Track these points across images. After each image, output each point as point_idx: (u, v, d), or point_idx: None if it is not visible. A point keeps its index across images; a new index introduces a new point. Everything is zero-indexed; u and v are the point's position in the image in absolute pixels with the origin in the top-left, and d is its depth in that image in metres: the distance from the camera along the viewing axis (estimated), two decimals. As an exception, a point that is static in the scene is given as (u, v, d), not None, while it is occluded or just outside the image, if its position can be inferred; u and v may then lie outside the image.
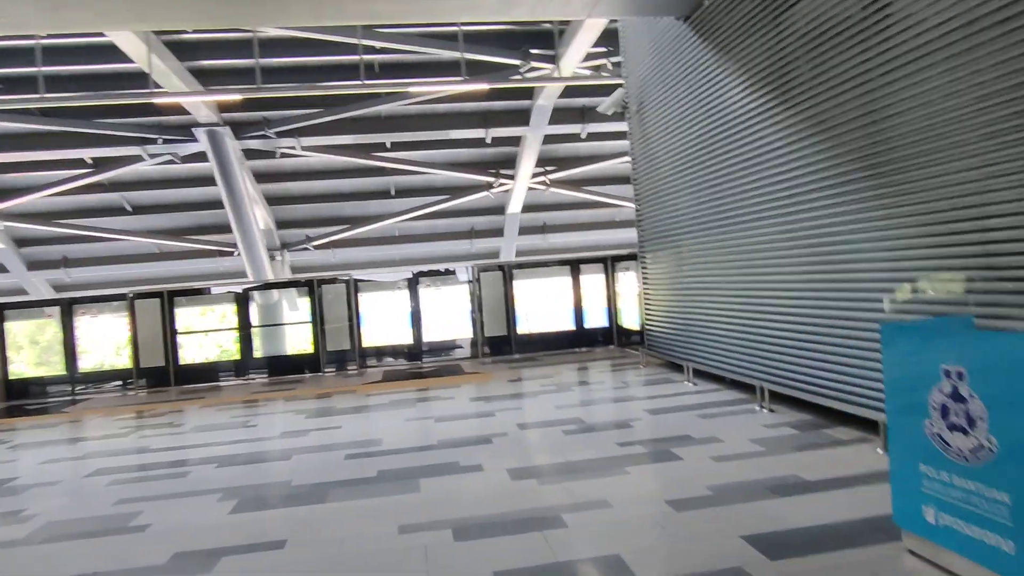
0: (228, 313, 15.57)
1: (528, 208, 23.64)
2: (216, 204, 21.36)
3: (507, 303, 15.20)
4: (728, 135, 9.03)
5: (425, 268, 15.77)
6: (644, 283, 12.49)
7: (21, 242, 23.43)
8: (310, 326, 14.85)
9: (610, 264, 15.31)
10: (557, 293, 15.49)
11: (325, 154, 20.10)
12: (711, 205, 9.77)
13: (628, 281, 15.05)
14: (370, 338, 15.53)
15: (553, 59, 16.42)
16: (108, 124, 18.33)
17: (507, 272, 15.34)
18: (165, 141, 18.73)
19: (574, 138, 21.12)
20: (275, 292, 16.11)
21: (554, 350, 15.25)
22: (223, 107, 18.49)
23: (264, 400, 12.35)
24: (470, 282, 15.28)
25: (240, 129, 18.96)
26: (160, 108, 18.16)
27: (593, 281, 15.78)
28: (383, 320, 15.64)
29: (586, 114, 19.68)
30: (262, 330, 15.30)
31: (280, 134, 18.92)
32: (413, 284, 15.30)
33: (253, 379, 14.63)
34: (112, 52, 15.17)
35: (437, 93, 17.13)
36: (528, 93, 18.91)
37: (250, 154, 20.40)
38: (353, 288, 14.96)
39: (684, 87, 10.29)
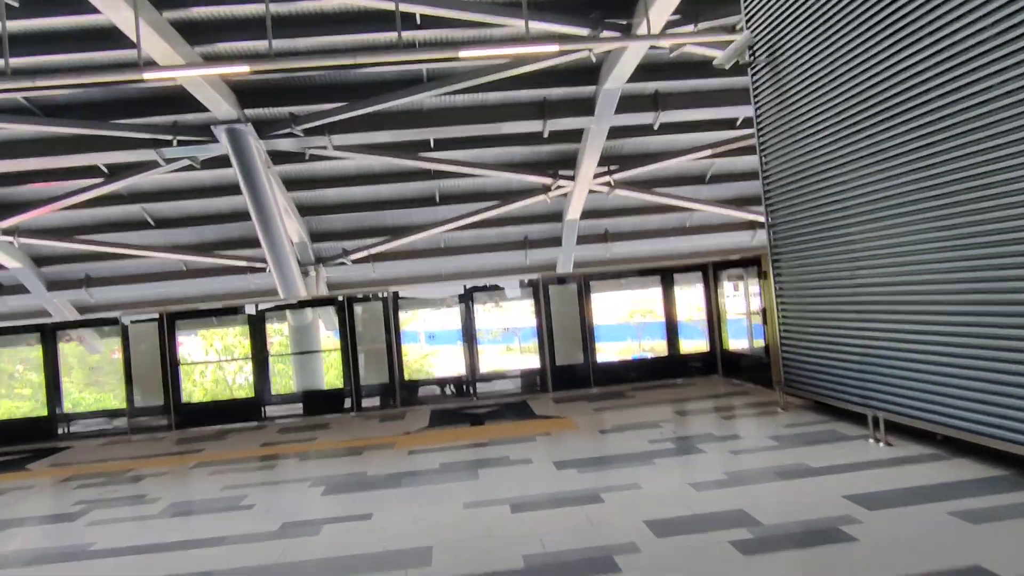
0: (240, 339, 12.20)
1: (588, 214, 20.22)
2: (244, 215, 18.31)
3: (583, 323, 11.69)
4: (935, 78, 5.93)
5: (480, 283, 12.19)
6: (780, 296, 8.89)
7: (41, 260, 20.77)
8: (339, 354, 11.40)
9: (712, 273, 11.64)
10: (644, 310, 11.80)
11: (360, 154, 16.93)
12: (912, 180, 6.48)
13: (738, 294, 11.31)
14: (413, 367, 11.92)
15: (627, 28, 12.86)
16: (118, 125, 15.18)
17: (582, 284, 11.77)
18: (180, 143, 15.52)
19: (643, 131, 17.66)
20: (299, 313, 12.70)
21: (642, 382, 11.63)
22: (244, 101, 15.24)
23: (275, 457, 8.94)
24: (535, 298, 11.69)
25: (265, 128, 15.86)
26: (172, 100, 15.02)
27: (690, 294, 12.09)
28: (429, 346, 12.06)
29: (660, 100, 16.09)
30: (281, 360, 11.85)
31: (309, 131, 15.78)
32: (466, 301, 11.79)
33: (269, 422, 11.22)
34: (102, 37, 12.15)
35: (491, 59, 13.76)
36: (593, 77, 15.47)
37: (278, 159, 17.33)
38: (392, 307, 11.57)
39: (851, 19, 6.74)
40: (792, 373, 8.89)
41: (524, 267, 21.64)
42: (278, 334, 15.09)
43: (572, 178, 18.44)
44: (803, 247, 8.47)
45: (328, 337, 12.43)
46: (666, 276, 12.12)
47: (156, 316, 11.73)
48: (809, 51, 7.86)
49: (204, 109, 14.91)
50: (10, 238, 18.68)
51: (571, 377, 11.89)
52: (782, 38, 8.40)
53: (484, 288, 12.23)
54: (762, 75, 9.02)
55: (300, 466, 8.38)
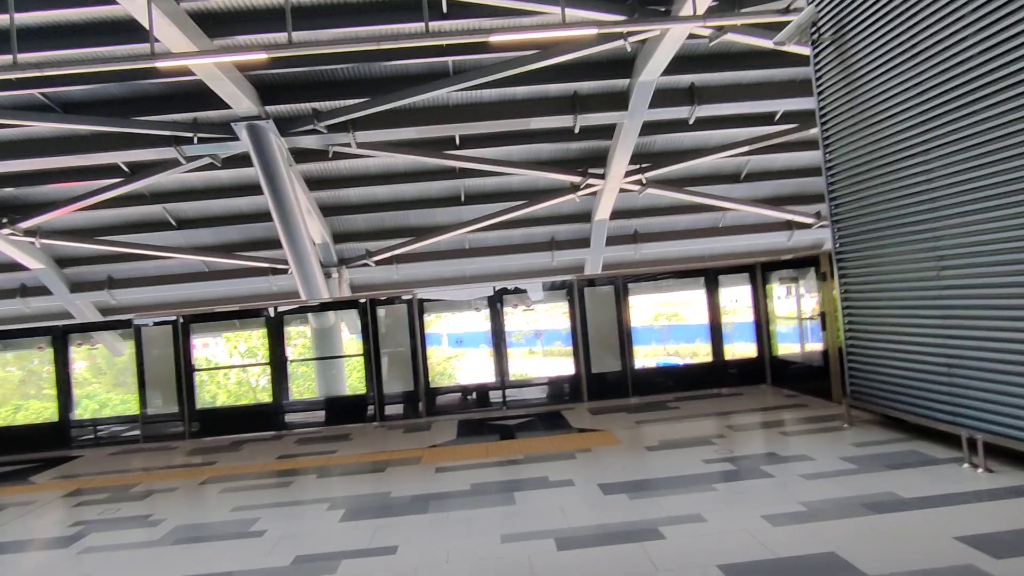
0: (258, 344, 11.41)
1: (617, 214, 19.34)
2: (265, 216, 17.64)
3: (620, 327, 10.78)
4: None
5: (510, 284, 11.28)
6: (846, 299, 7.93)
7: (63, 261, 20.25)
8: (362, 360, 10.57)
9: (759, 273, 10.65)
10: (686, 313, 10.85)
11: (384, 152, 16.16)
12: (1009, 168, 5.66)
13: (790, 296, 10.33)
14: (439, 374, 11.04)
15: (667, 15, 11.96)
16: (138, 122, 14.53)
17: (619, 286, 10.83)
18: (201, 140, 14.85)
19: (676, 127, 16.76)
20: (319, 316, 11.87)
21: (684, 391, 10.67)
22: (265, 97, 14.53)
23: (291, 473, 8.11)
24: (569, 300, 10.78)
25: (286, 124, 15.16)
26: (192, 96, 14.37)
27: (736, 297, 11.11)
28: (456, 351, 11.20)
29: (696, 93, 15.12)
30: (301, 366, 11.04)
31: (332, 128, 15.01)
32: (494, 304, 10.91)
33: (287, 431, 10.41)
34: (117, 30, 11.53)
35: (521, 48, 12.97)
36: (627, 69, 14.59)
37: (300, 157, 16.63)
38: (417, 310, 10.72)
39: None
40: (860, 384, 7.91)
41: (550, 269, 20.76)
42: (300, 337, 14.35)
43: (602, 176, 17.53)
44: (875, 245, 7.50)
45: (349, 342, 11.58)
46: (710, 277, 11.15)
47: (171, 319, 10.98)
48: (886, 24, 6.92)
49: (225, 106, 14.23)
50: (32, 239, 18.16)
51: (607, 385, 10.97)
52: (853, 11, 7.44)
53: (515, 290, 11.31)
54: (827, 55, 8.07)
55: (318, 484, 7.55)
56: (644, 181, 17.78)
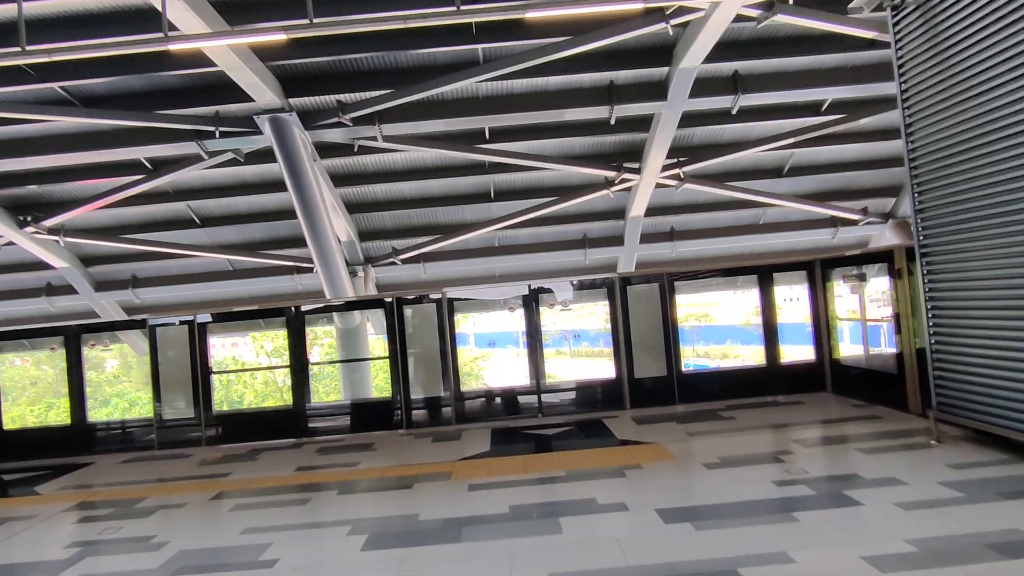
0: (279, 345, 10.65)
1: (652, 210, 18.27)
2: (290, 213, 16.96)
3: (666, 329, 9.78)
4: None
5: (547, 283, 10.37)
6: (933, 299, 6.85)
7: (88, 260, 19.76)
8: (388, 363, 9.73)
9: (819, 271, 9.62)
10: (738, 314, 9.90)
11: (411, 147, 15.34)
12: None
13: (853, 295, 9.31)
14: (469, 378, 10.19)
15: (713, -6, 10.98)
16: (159, 116, 13.88)
17: (665, 285, 9.85)
18: (223, 134, 14.16)
19: (716, 118, 15.78)
20: (343, 317, 11.08)
21: (736, 398, 9.67)
22: (288, 89, 13.81)
23: (309, 488, 7.24)
24: (610, 300, 9.85)
25: (310, 117, 14.45)
26: (214, 89, 13.71)
27: (791, 296, 10.10)
28: (488, 353, 10.35)
29: (740, 82, 14.08)
30: (324, 369, 10.26)
31: (357, 121, 14.22)
32: (530, 304, 10.00)
33: (308, 438, 9.61)
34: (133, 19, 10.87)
35: (562, 19, 12.00)
36: (666, 57, 13.64)
37: (325, 152, 15.95)
38: (447, 310, 9.85)
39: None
40: (949, 396, 6.90)
41: (583, 267, 19.83)
42: (326, 337, 13.59)
43: (638, 171, 16.55)
44: (968, 238, 6.53)
45: (375, 344, 10.79)
46: (764, 275, 10.14)
47: (188, 319, 10.25)
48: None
49: (247, 98, 13.57)
50: (56, 237, 17.64)
51: (652, 392, 10.04)
52: (945, -31, 6.44)
53: (551, 289, 10.40)
54: (910, 22, 7.08)
55: (338, 502, 6.72)
56: (682, 176, 16.77)
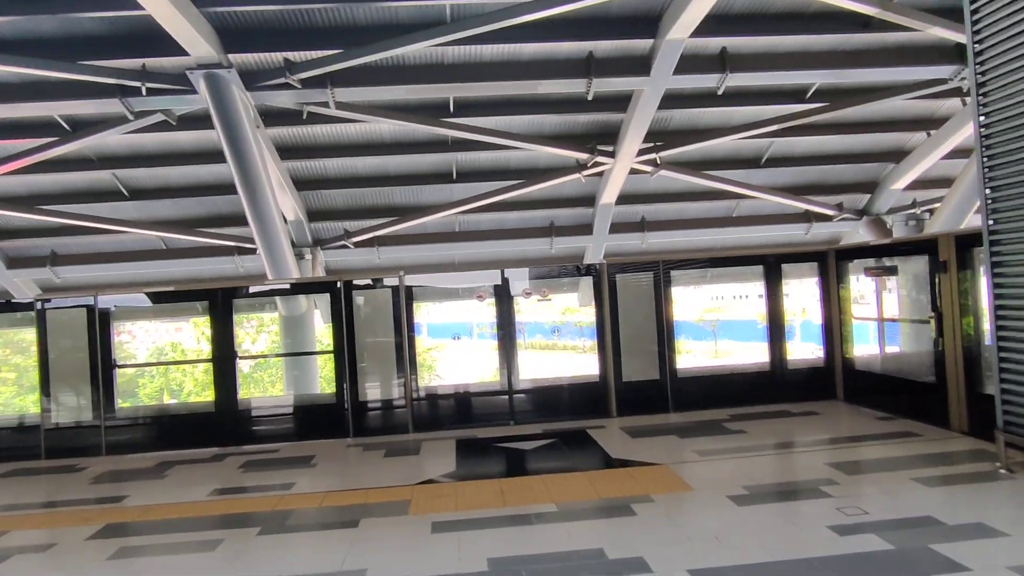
0: (200, 335, 8.72)
1: (624, 199, 16.73)
2: (231, 187, 14.77)
3: (660, 326, 8.16)
4: None
5: (522, 270, 8.64)
6: (999, 295, 5.34)
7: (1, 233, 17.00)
8: (332, 359, 7.85)
9: (832, 263, 8.13)
10: (739, 309, 8.39)
11: (367, 116, 13.49)
12: None
13: (879, 290, 7.84)
14: (430, 377, 8.45)
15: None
16: (76, 67, 11.64)
17: (660, 275, 8.24)
18: (150, 91, 11.95)
19: (698, 100, 14.33)
20: (288, 302, 9.17)
21: (737, 405, 8.16)
22: (228, 44, 11.79)
23: (225, 519, 5.30)
24: (597, 290, 8.18)
25: (253, 77, 12.30)
26: (141, 39, 11.65)
27: (800, 291, 8.59)
28: (448, 347, 8.62)
29: (728, 60, 12.58)
30: (253, 364, 8.36)
31: (307, 83, 12.18)
32: (503, 294, 8.24)
33: (234, 448, 7.66)
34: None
35: None
36: (651, 27, 12.09)
37: (270, 120, 13.92)
38: (405, 298, 7.96)
39: None
40: (1019, 413, 5.39)
41: (549, 257, 18.23)
42: (252, 329, 11.55)
43: (612, 154, 14.99)
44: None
45: (318, 335, 8.92)
46: (770, 266, 8.65)
47: (87, 301, 8.16)
48: None
49: (179, 51, 11.44)
50: (-42, 205, 15.10)
51: (643, 397, 8.50)
52: None
53: (527, 277, 8.69)
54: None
55: (259, 548, 4.88)
56: (658, 161, 15.28)
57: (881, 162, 16.89)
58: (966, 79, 13.47)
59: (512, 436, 7.77)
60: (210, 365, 8.53)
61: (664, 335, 8.42)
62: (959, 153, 16.11)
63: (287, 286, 9.89)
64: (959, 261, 6.40)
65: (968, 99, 14.82)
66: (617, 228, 17.91)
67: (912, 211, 17.02)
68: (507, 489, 5.90)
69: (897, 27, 12.86)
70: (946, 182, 17.53)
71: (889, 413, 7.59)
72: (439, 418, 8.57)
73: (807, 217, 18.17)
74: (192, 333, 31.98)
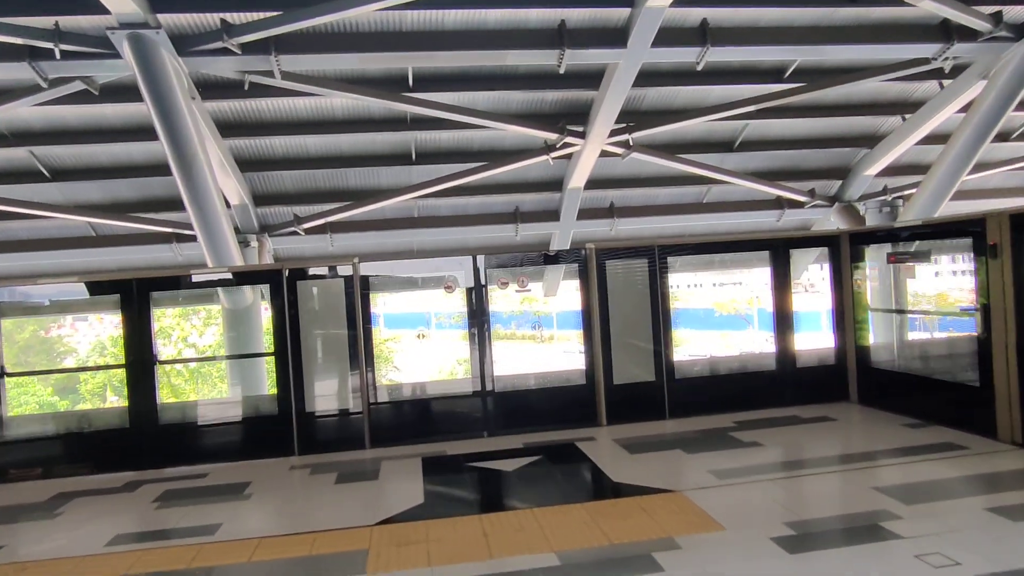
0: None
1: (592, 183, 15.48)
2: (167, 168, 12.76)
3: (657, 321, 6.86)
4: None
5: (497, 256, 7.25)
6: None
7: (-95, 218, 14.83)
8: (274, 362, 6.32)
9: (845, 248, 6.99)
10: (741, 299, 7.18)
11: (317, 89, 11.91)
12: None
13: (903, 277, 6.71)
14: (391, 380, 7.01)
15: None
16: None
17: (655, 260, 6.97)
18: (65, 55, 10.17)
19: (673, 78, 13.21)
20: (234, 295, 7.65)
21: (741, 409, 6.96)
22: (156, 2, 9.95)
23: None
24: (583, 279, 6.85)
25: (186, 41, 10.70)
26: None
27: (810, 278, 7.42)
28: (414, 348, 7.43)
29: (709, 33, 11.43)
30: (178, 369, 6.80)
31: (247, 48, 10.58)
32: (474, 283, 6.85)
33: (152, 472, 6.08)
34: None
35: None
36: (629, -7, 10.72)
37: (209, 93, 12.22)
38: (359, 289, 6.48)
39: None
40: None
41: (513, 245, 16.82)
42: (176, 326, 9.78)
43: (582, 135, 13.72)
44: None
45: (257, 332, 7.37)
46: (778, 251, 7.45)
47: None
48: None
49: (100, 9, 9.67)
50: None
51: (636, 402, 7.25)
52: None
53: (505, 263, 7.32)
54: None
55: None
56: (631, 143, 14.04)
57: (854, 147, 16.05)
58: (948, 59, 12.61)
59: (488, 452, 6.46)
60: (127, 371, 6.87)
61: (660, 331, 7.20)
62: (931, 140, 15.37)
63: (226, 275, 8.28)
64: (1014, 244, 5.32)
65: (946, 82, 14.06)
66: (585, 214, 16.71)
67: (884, 197, 16.25)
68: (491, 530, 4.58)
69: (882, 1, 11.93)
70: (916, 169, 16.83)
71: (917, 419, 6.57)
72: (401, 429, 7.15)
73: (779, 204, 17.26)
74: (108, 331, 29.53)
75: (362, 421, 6.92)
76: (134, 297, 6.96)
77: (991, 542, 4.29)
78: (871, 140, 16.08)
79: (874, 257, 7.31)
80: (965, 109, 14.02)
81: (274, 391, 7.07)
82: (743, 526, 4.44)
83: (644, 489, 5.24)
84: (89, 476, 6.38)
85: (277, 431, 6.89)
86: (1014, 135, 16.61)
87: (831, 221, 17.26)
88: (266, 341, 13.18)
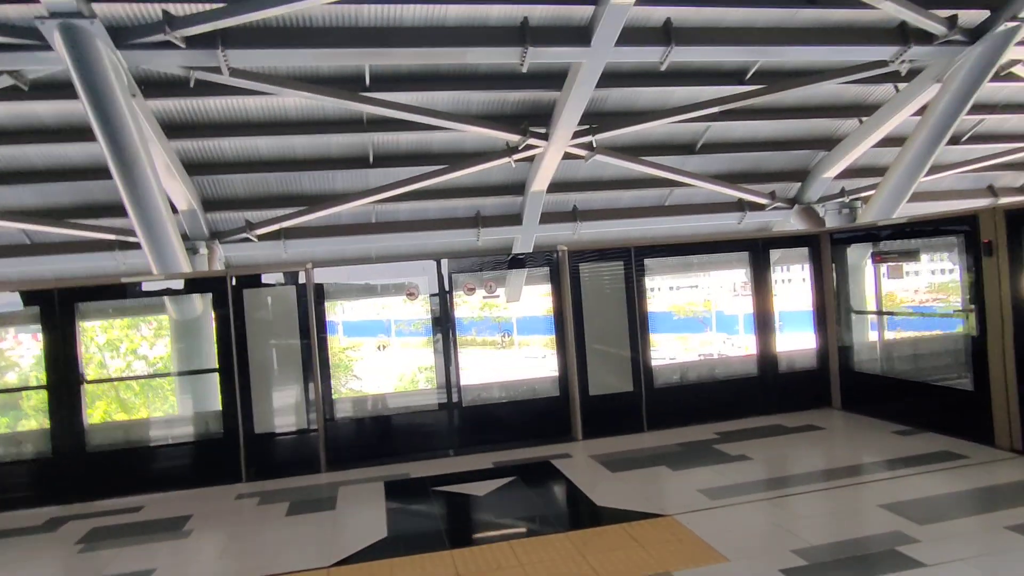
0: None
1: (554, 187, 15.02)
2: (107, 171, 11.75)
3: (633, 326, 6.34)
4: None
5: (461, 261, 6.66)
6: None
7: None
8: (217, 379, 5.59)
9: (826, 248, 6.62)
10: (720, 302, 6.82)
11: (269, 87, 11.15)
12: None
13: (889, 278, 6.38)
14: (348, 394, 6.37)
15: None
16: None
17: (632, 261, 6.47)
18: (-11, 46, 9.29)
19: (636, 79, 12.91)
20: (182, 304, 6.93)
21: (720, 419, 6.51)
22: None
23: None
24: (555, 283, 6.30)
25: (125, 33, 9.88)
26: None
27: (791, 279, 7.08)
28: (374, 359, 6.99)
29: (673, 33, 11.08)
30: (107, 389, 6.07)
31: (192, 42, 9.78)
32: (439, 289, 6.25)
33: (81, 503, 5.26)
34: None
35: None
36: (593, -11, 10.30)
37: (151, 90, 11.24)
38: (312, 297, 5.79)
39: None
40: None
41: (475, 249, 16.24)
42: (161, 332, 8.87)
43: (545, 136, 13.24)
44: None
45: (208, 345, 6.59)
46: (758, 250, 7.03)
47: None
48: None
49: (28, -3, 8.77)
50: None
51: (613, 415, 6.69)
52: None
53: (468, 269, 6.72)
54: None
55: None
56: (594, 145, 13.63)
57: (813, 149, 15.99)
58: (905, 61, 12.54)
59: (456, 473, 5.85)
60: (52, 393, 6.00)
61: (638, 337, 6.70)
62: (887, 142, 15.39)
63: (162, 284, 7.37)
64: (1010, 241, 5.00)
65: (901, 85, 14.04)
66: (548, 218, 16.25)
67: (842, 199, 16.20)
68: (466, 570, 3.98)
69: (842, 3, 11.79)
70: (872, 171, 16.87)
71: (906, 425, 6.22)
72: (360, 448, 6.47)
73: (740, 206, 17.09)
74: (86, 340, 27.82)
75: (317, 440, 6.23)
76: (56, 309, 6.11)
77: (1004, 564, 3.89)
78: (829, 143, 16.04)
79: (856, 256, 6.98)
80: (920, 112, 14.06)
81: (202, 415, 6.31)
82: (747, 556, 3.94)
83: (631, 514, 4.71)
84: (3, 513, 5.52)
85: (222, 455, 6.14)
86: (964, 138, 16.81)
87: (791, 223, 17.18)
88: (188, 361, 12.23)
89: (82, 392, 6.29)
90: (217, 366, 6.19)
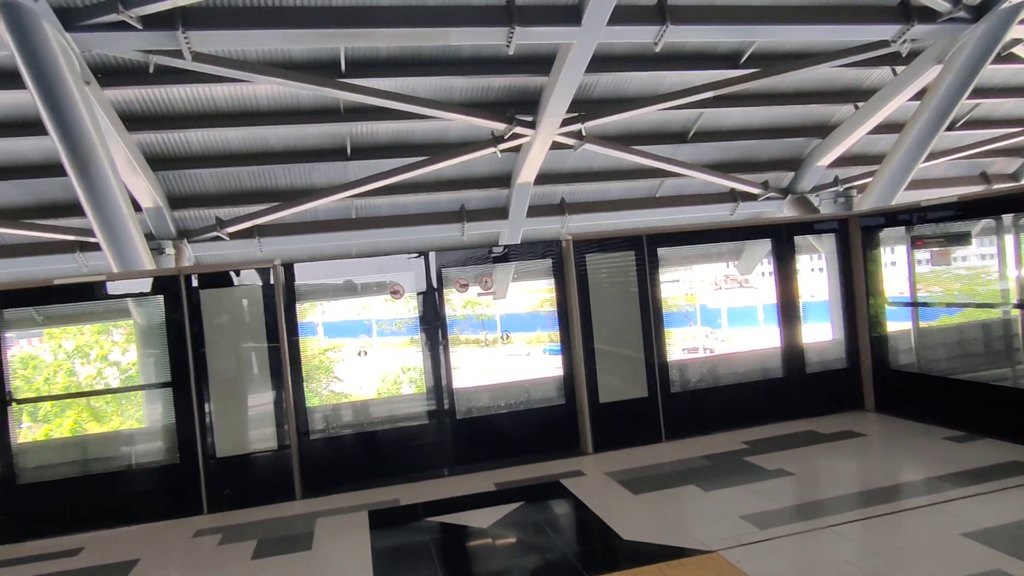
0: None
1: (541, 178, 14.19)
2: (63, 168, 10.65)
3: (647, 323, 5.46)
4: None
5: (453, 254, 5.77)
6: None
7: None
8: (170, 394, 4.62)
9: (856, 233, 5.81)
10: (740, 295, 6.06)
11: (237, 73, 10.16)
12: None
13: (935, 265, 5.61)
14: (324, 409, 5.44)
15: None
16: None
17: (644, 249, 5.59)
18: (-80, 27, 8.22)
19: (627, 62, 12.16)
20: (144, 308, 6.00)
21: (744, 426, 5.68)
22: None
23: None
24: (558, 278, 5.42)
25: (74, 14, 8.95)
26: None
27: (819, 268, 6.32)
28: (355, 365, 5.97)
29: (668, 11, 10.28)
30: (44, 409, 5.18)
31: (148, 22, 8.83)
32: (428, 285, 5.34)
33: (11, 543, 4.27)
34: None
35: None
36: (583, -36, 9.48)
37: (109, 78, 10.31)
38: (281, 297, 4.86)
39: None
40: None
41: (460, 245, 15.31)
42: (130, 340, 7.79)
43: (533, 124, 12.39)
44: None
45: (151, 356, 5.63)
46: (782, 236, 6.21)
47: None
48: None
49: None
50: None
51: (627, 425, 5.85)
52: None
53: (466, 260, 5.85)
54: None
55: None
56: (583, 133, 12.82)
57: (806, 137, 15.32)
58: (907, 41, 11.87)
59: (453, 499, 4.97)
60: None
61: (652, 337, 5.90)
62: (881, 129, 14.75)
63: (103, 286, 6.33)
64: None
65: (899, 68, 13.39)
66: (535, 211, 15.42)
67: (836, 188, 15.57)
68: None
69: (843, -20, 11.11)
70: (866, 159, 16.27)
71: (958, 430, 5.47)
72: (340, 470, 5.56)
73: (733, 196, 16.39)
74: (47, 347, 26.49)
75: (290, 460, 5.35)
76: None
77: None
78: (823, 130, 15.38)
79: (890, 242, 6.23)
80: (918, 97, 13.43)
81: (170, 433, 5.39)
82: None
83: (666, 550, 3.85)
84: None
85: (179, 483, 5.21)
86: (958, 124, 16.26)
87: (784, 213, 16.54)
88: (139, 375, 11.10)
89: (8, 414, 5.30)
90: (170, 379, 5.25)
